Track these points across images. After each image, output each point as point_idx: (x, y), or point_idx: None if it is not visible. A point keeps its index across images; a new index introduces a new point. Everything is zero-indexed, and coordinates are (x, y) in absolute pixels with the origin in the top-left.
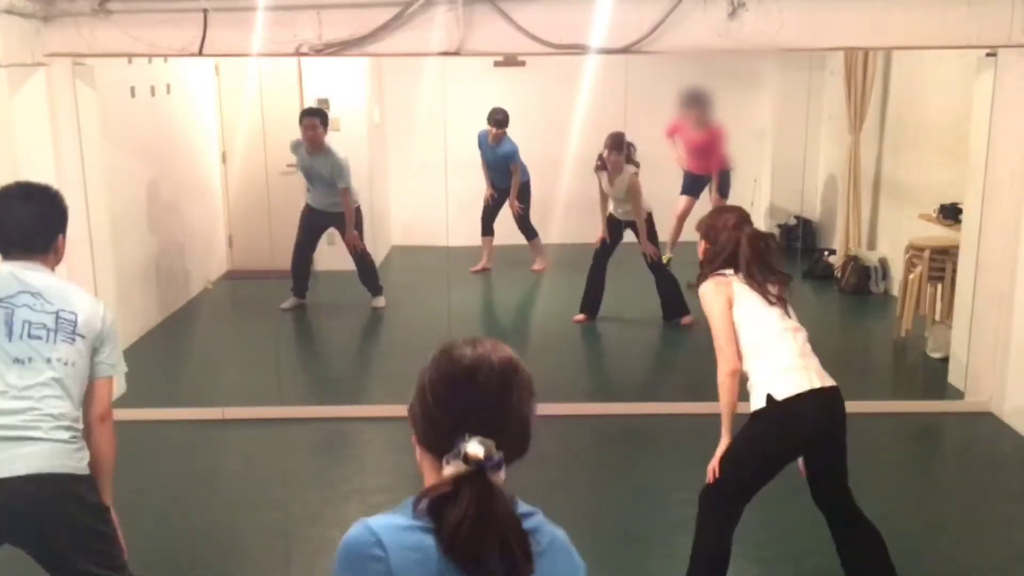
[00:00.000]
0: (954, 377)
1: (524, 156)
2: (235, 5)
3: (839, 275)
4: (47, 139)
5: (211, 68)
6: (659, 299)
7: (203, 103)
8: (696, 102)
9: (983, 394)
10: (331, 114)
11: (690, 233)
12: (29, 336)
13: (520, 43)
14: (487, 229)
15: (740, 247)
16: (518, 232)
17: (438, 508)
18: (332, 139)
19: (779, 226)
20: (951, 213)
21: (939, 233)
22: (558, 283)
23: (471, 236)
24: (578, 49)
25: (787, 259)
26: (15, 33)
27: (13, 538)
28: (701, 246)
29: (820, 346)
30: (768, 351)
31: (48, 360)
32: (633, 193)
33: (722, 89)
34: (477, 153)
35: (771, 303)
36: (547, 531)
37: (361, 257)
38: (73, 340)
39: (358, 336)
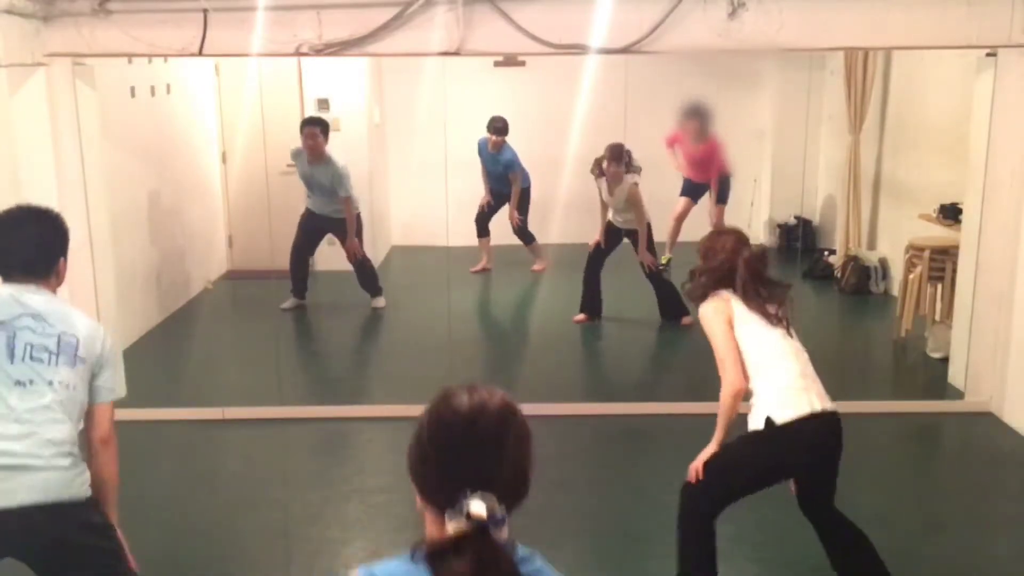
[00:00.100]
0: (954, 377)
1: (524, 156)
2: (235, 5)
3: (839, 275)
4: (47, 139)
5: (211, 68)
6: (658, 304)
7: (203, 103)
8: (696, 114)
9: (983, 394)
10: (331, 114)
11: (689, 234)
12: (31, 358)
13: (520, 43)
14: (483, 231)
15: (737, 269)
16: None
17: (438, 561)
18: (332, 139)
19: (779, 226)
20: (951, 213)
21: (939, 233)
22: (558, 283)
23: (471, 236)
24: (578, 49)
25: (787, 259)
26: (15, 33)
27: (18, 557)
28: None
29: (820, 346)
30: (770, 372)
31: (50, 383)
32: (634, 203)
33: (722, 89)
34: (477, 149)
35: (772, 324)
36: (547, 574)
37: (361, 263)
38: (74, 364)
39: (358, 336)
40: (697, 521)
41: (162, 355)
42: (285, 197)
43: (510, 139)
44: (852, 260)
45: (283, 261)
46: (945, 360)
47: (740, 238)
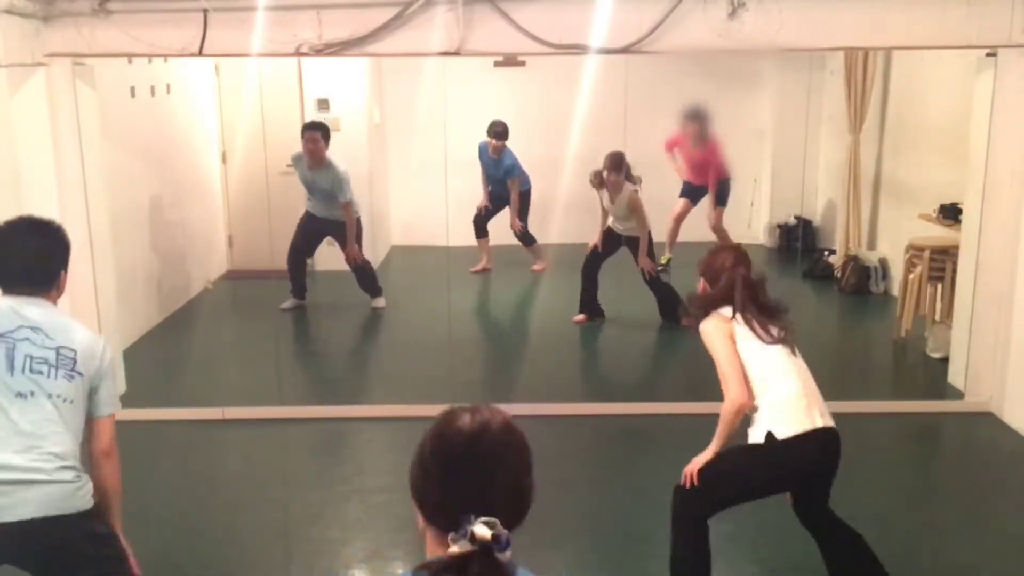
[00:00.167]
0: (954, 377)
1: (524, 157)
2: (235, 5)
3: (839, 275)
4: (47, 139)
5: (211, 68)
6: (658, 307)
7: (203, 103)
8: (696, 117)
9: (983, 394)
10: (331, 114)
11: (688, 234)
12: (31, 371)
13: (520, 43)
14: (481, 232)
15: (736, 287)
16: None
17: None
18: (333, 140)
19: (779, 226)
20: (951, 213)
21: (939, 233)
22: (558, 283)
23: (471, 236)
24: (578, 49)
25: (787, 259)
26: (15, 33)
27: (22, 567)
28: (701, 284)
29: (820, 346)
30: (772, 388)
31: (49, 396)
32: (635, 210)
33: (722, 89)
34: (477, 152)
35: (772, 341)
36: None
37: (360, 268)
38: (72, 377)
39: (358, 336)
40: (690, 524)
41: (162, 355)
42: (285, 197)
43: (510, 140)
44: (852, 260)
45: (283, 261)
46: (945, 360)
47: (738, 256)
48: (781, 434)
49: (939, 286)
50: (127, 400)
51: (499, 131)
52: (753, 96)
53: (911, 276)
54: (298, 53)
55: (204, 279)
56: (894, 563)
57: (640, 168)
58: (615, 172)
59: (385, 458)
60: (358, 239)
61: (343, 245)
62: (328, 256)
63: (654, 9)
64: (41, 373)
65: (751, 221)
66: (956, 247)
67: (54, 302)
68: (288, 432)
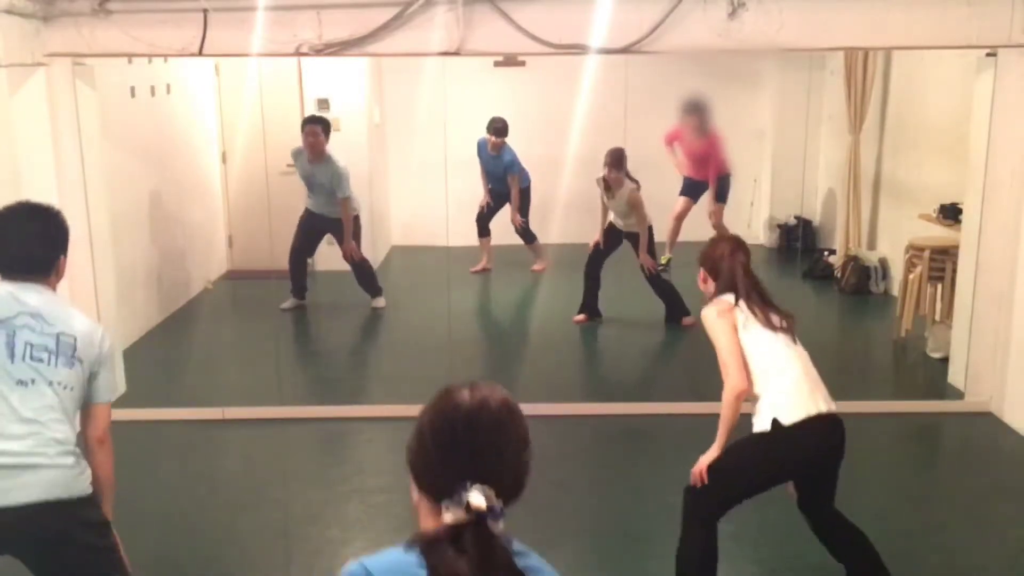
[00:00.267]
0: (954, 377)
1: (524, 157)
2: (235, 5)
3: (839, 275)
4: (47, 139)
5: (211, 68)
6: (662, 303)
7: (203, 103)
8: (696, 110)
9: (983, 394)
10: (331, 114)
11: (689, 233)
12: (32, 358)
13: (520, 43)
14: (483, 231)
15: (737, 275)
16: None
17: (434, 552)
18: (333, 140)
19: (779, 226)
20: (951, 213)
21: (939, 233)
22: (558, 283)
23: (471, 236)
24: (578, 49)
25: (787, 259)
26: (15, 33)
27: (17, 555)
28: (701, 275)
29: (820, 346)
30: (775, 375)
31: (50, 383)
32: (635, 207)
33: (722, 89)
34: (476, 150)
35: (775, 328)
36: (542, 570)
37: (359, 265)
38: (72, 364)
39: (358, 336)
40: (700, 524)
41: (162, 355)
42: (285, 197)
43: (510, 139)
44: (852, 260)
45: (283, 261)
46: (945, 360)
47: (736, 242)
48: (787, 420)
49: (939, 286)
50: (127, 400)
51: (498, 128)
52: (753, 96)
53: (911, 276)
54: (298, 53)
55: (204, 279)
56: (894, 563)
57: (640, 168)
58: (615, 168)
59: (385, 458)
60: (356, 236)
61: (341, 242)
62: (328, 256)
63: (654, 9)
64: (42, 361)
65: (751, 221)
66: (956, 247)
67: (53, 288)
68: (288, 432)
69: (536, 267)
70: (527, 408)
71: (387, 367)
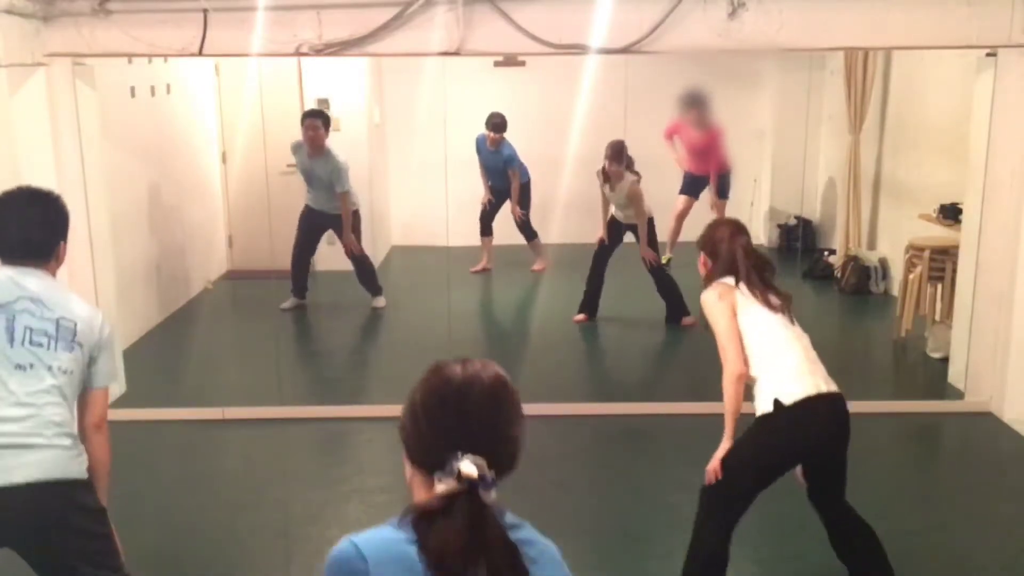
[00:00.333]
0: (954, 377)
1: (524, 156)
2: (235, 5)
3: (839, 275)
4: (47, 139)
5: (211, 68)
6: (662, 301)
7: (203, 103)
8: (696, 103)
9: (983, 394)
10: (331, 114)
11: (689, 233)
12: (31, 343)
13: (520, 43)
14: (486, 230)
15: (738, 256)
16: (518, 232)
17: (426, 524)
18: (333, 139)
19: (779, 226)
20: (951, 213)
21: (939, 233)
22: (558, 283)
23: (471, 236)
24: (578, 49)
25: (787, 259)
26: (15, 33)
27: (14, 543)
28: (701, 259)
29: (820, 346)
30: (775, 356)
31: (49, 367)
32: (634, 200)
33: (722, 89)
34: (475, 146)
35: (774, 310)
36: (536, 541)
37: (359, 260)
38: (72, 348)
39: (358, 336)
40: (717, 524)
41: (162, 355)
42: (285, 197)
43: (510, 139)
44: (852, 260)
45: (283, 261)
46: (945, 360)
47: (737, 225)
48: (788, 399)
49: (939, 286)
50: (127, 400)
51: (497, 123)
52: (753, 96)
53: (911, 276)
54: (298, 53)
55: (204, 279)
56: (894, 563)
57: (641, 167)
58: (615, 161)
59: (385, 458)
60: (357, 231)
61: (341, 236)
62: (328, 256)
63: (654, 9)
64: (41, 345)
65: (751, 221)
66: (956, 247)
67: (53, 273)
68: (288, 432)
69: (536, 267)
70: (527, 408)
71: (387, 367)
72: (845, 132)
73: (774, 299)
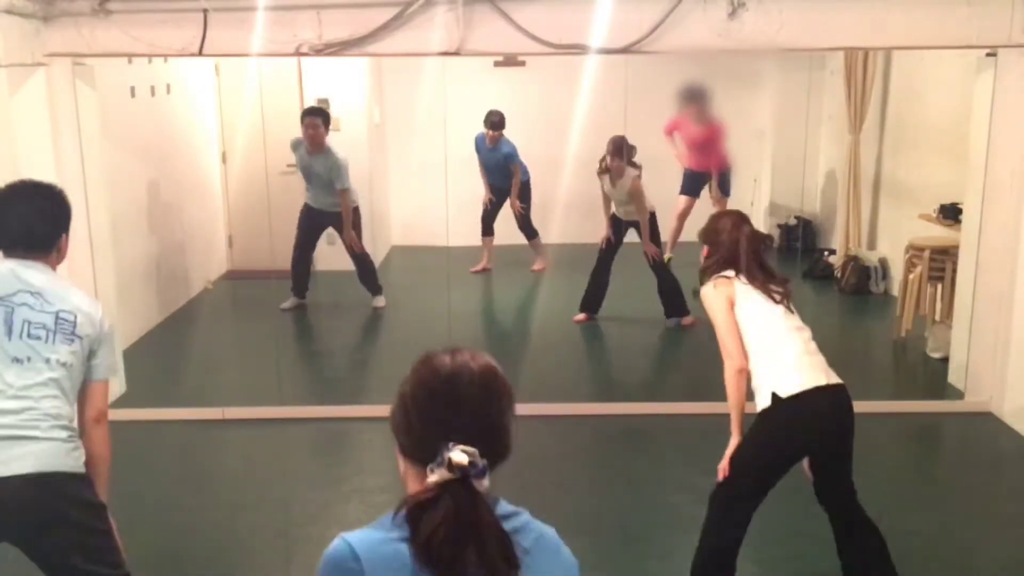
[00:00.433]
0: (954, 377)
1: (524, 156)
2: (235, 5)
3: (839, 275)
4: (47, 139)
5: (211, 68)
6: (660, 299)
7: (203, 103)
8: (696, 97)
9: (983, 394)
10: (331, 114)
11: (690, 233)
12: (29, 336)
13: (520, 43)
14: (487, 230)
15: (740, 247)
16: (518, 232)
17: (417, 516)
18: (332, 139)
19: (779, 226)
20: (951, 213)
21: (939, 233)
22: (558, 283)
23: (471, 236)
24: (578, 49)
25: (787, 259)
26: (15, 33)
27: (11, 537)
28: (705, 251)
29: (820, 346)
30: (773, 349)
31: (47, 360)
32: (635, 195)
33: (722, 89)
34: (474, 145)
35: (775, 301)
36: (532, 529)
37: (360, 258)
38: (71, 341)
39: (358, 336)
40: (726, 525)
41: (162, 355)
42: (285, 197)
43: (510, 139)
44: (852, 260)
45: (283, 261)
46: (945, 360)
47: (740, 216)
48: (785, 392)
49: (939, 286)
50: (127, 400)
51: (495, 121)
52: (753, 96)
53: (911, 276)
54: (298, 53)
55: (204, 279)
56: (896, 563)
57: (642, 169)
58: (616, 157)
59: (385, 458)
60: (357, 228)
61: (342, 234)
62: (328, 256)
63: (654, 9)
64: (39, 339)
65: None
66: (956, 247)
67: (54, 267)
68: (288, 432)
69: (536, 267)
70: (527, 408)
71: (387, 367)
72: (845, 132)
73: (775, 290)
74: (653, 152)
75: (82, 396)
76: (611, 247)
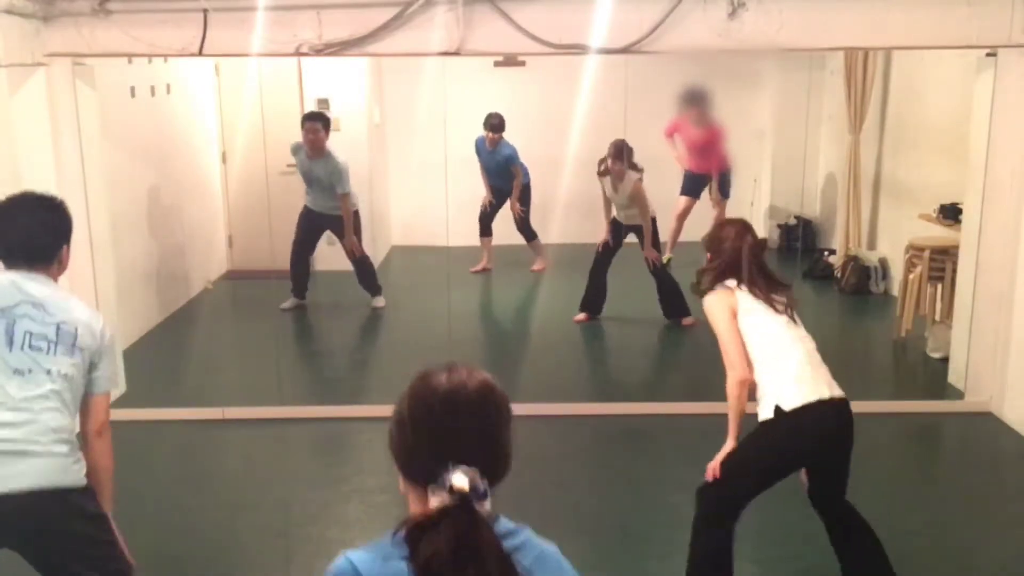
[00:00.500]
0: (954, 377)
1: (524, 156)
2: (235, 5)
3: (839, 275)
4: (47, 139)
5: (211, 68)
6: (660, 302)
7: (203, 103)
8: (696, 100)
9: (983, 394)
10: (331, 114)
11: (690, 233)
12: (30, 347)
13: (520, 43)
14: (485, 230)
15: (743, 256)
16: (518, 232)
17: (417, 538)
18: (332, 139)
19: (779, 226)
20: (951, 213)
21: (939, 233)
22: (558, 283)
23: (471, 236)
24: (578, 49)
25: (787, 259)
26: (15, 33)
27: (14, 546)
28: (708, 258)
29: (820, 346)
30: (777, 360)
31: (48, 372)
32: (637, 199)
33: (722, 89)
34: (474, 148)
35: (777, 311)
36: (533, 547)
37: (360, 261)
38: (72, 353)
39: (358, 336)
40: (716, 523)
41: (162, 355)
42: (285, 197)
43: (510, 139)
44: (852, 260)
45: (283, 261)
46: (945, 360)
47: (744, 225)
48: (788, 405)
49: (939, 286)
50: (127, 400)
51: (495, 124)
52: (753, 96)
53: (911, 276)
54: (298, 53)
55: (204, 279)
56: (894, 563)
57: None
58: (618, 160)
59: (385, 458)
60: (357, 232)
61: (342, 237)
62: (328, 256)
63: (654, 9)
64: (40, 350)
65: (751, 221)
66: (956, 247)
67: (55, 278)
68: (288, 432)
69: (536, 267)
70: (527, 408)
71: (387, 367)
72: (845, 132)
73: (778, 300)
74: (653, 152)
75: (84, 409)
76: (608, 251)
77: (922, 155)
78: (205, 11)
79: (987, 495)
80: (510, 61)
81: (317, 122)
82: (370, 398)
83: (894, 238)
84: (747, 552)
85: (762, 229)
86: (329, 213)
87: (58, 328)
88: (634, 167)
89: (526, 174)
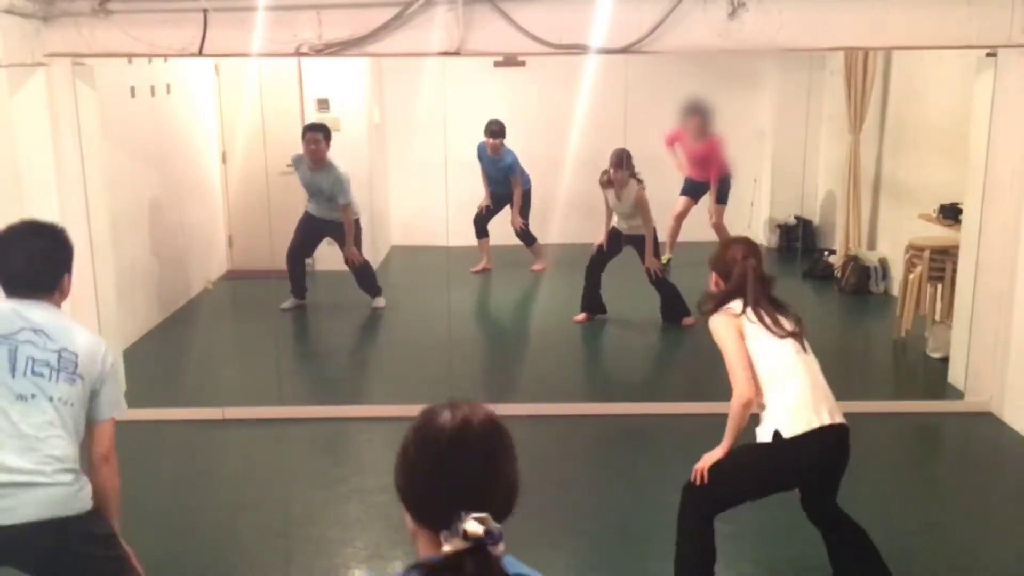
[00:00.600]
0: (954, 377)
1: (524, 157)
2: (235, 5)
3: (839, 275)
4: (47, 139)
5: (211, 68)
6: (661, 310)
7: (203, 103)
8: (696, 112)
9: (983, 394)
10: (331, 114)
11: (689, 233)
12: (32, 373)
13: (520, 43)
14: (481, 232)
15: (748, 280)
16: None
17: None
18: (333, 139)
19: (779, 226)
20: (951, 213)
21: (939, 233)
22: (558, 283)
23: (471, 236)
24: (578, 49)
25: (787, 259)
26: (15, 33)
27: (24, 569)
28: (712, 279)
29: (820, 346)
30: (780, 384)
31: (50, 398)
32: (641, 207)
33: (722, 89)
34: (476, 153)
35: (782, 336)
36: None
37: (360, 269)
38: (74, 381)
39: (358, 336)
40: (696, 522)
41: (162, 355)
42: (285, 197)
43: (510, 140)
44: (852, 260)
45: (283, 261)
46: (945, 360)
47: (749, 246)
48: (788, 432)
49: (939, 286)
50: (127, 400)
51: (495, 130)
52: (753, 96)
53: (911, 276)
54: (298, 53)
55: (204, 279)
56: (894, 563)
57: (641, 167)
58: (619, 169)
59: (385, 458)
60: (357, 241)
61: (342, 245)
62: (328, 256)
63: (654, 9)
64: (42, 376)
65: (751, 221)
66: (956, 247)
67: (57, 305)
68: (288, 432)
69: (536, 267)
70: (527, 408)
71: (387, 367)
72: (845, 132)
73: (784, 324)
74: (652, 153)
75: (88, 435)
76: (602, 255)
77: (922, 155)
78: (205, 11)
79: (987, 495)
80: (510, 61)
81: (318, 132)
82: (370, 398)
83: (894, 238)
84: (747, 552)
85: (762, 229)
86: (330, 221)
87: (60, 355)
88: (636, 178)
89: (527, 180)
